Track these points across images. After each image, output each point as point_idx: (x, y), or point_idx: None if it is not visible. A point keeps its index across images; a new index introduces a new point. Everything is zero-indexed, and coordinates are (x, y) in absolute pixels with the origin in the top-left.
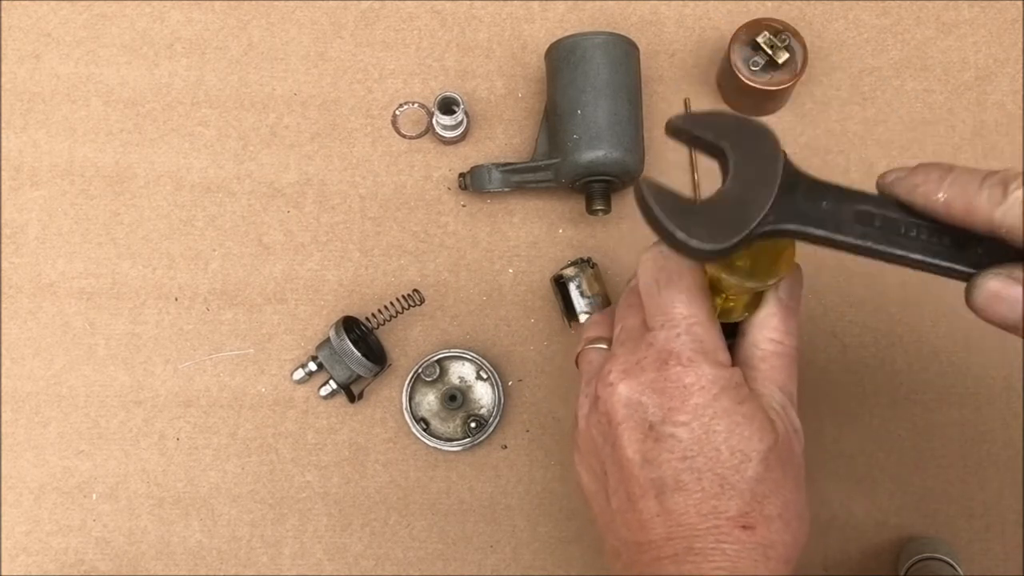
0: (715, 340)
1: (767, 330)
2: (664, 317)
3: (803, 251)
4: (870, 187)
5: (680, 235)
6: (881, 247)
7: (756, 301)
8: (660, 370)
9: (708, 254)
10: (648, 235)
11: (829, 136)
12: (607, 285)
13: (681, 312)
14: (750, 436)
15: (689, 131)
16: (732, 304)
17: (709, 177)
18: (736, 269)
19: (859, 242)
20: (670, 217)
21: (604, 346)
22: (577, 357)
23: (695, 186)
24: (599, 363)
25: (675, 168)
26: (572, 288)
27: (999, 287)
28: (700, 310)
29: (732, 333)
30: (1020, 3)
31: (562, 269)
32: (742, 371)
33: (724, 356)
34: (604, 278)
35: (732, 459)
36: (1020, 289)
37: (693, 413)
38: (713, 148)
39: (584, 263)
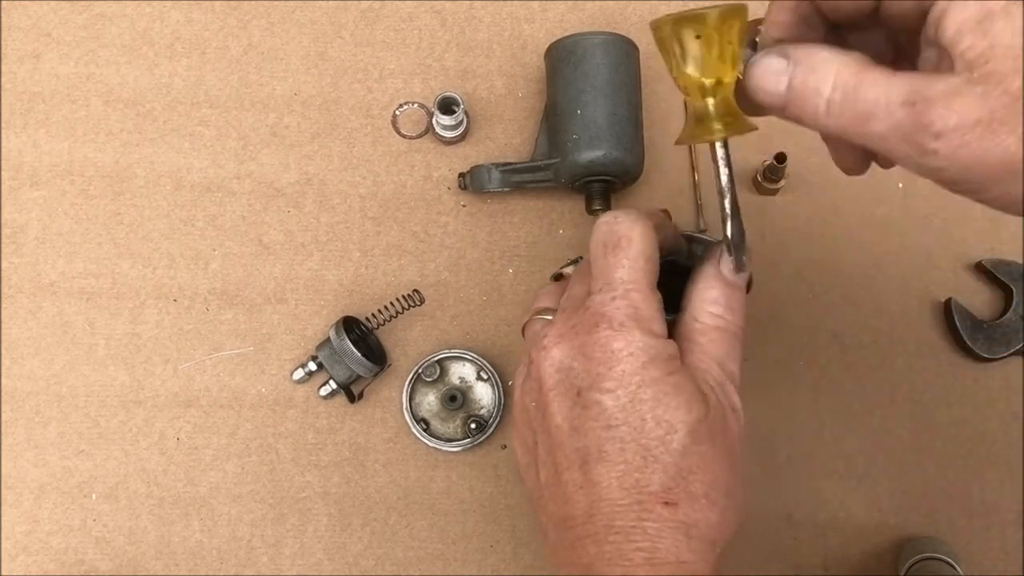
0: (652, 310)
1: (707, 303)
2: (604, 281)
3: (803, 251)
4: (872, 188)
5: None
6: None
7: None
8: (591, 333)
9: None
10: None
11: None
12: None
13: (621, 276)
14: (677, 407)
15: None
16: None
17: (709, 177)
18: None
19: None
20: None
21: (549, 316)
22: (523, 328)
23: (695, 186)
24: (539, 331)
25: (675, 168)
26: None
27: (768, 61)
28: (642, 277)
29: (675, 308)
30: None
31: (562, 267)
32: (681, 344)
33: (659, 327)
34: None
35: (657, 430)
36: (784, 61)
37: (619, 380)
38: None
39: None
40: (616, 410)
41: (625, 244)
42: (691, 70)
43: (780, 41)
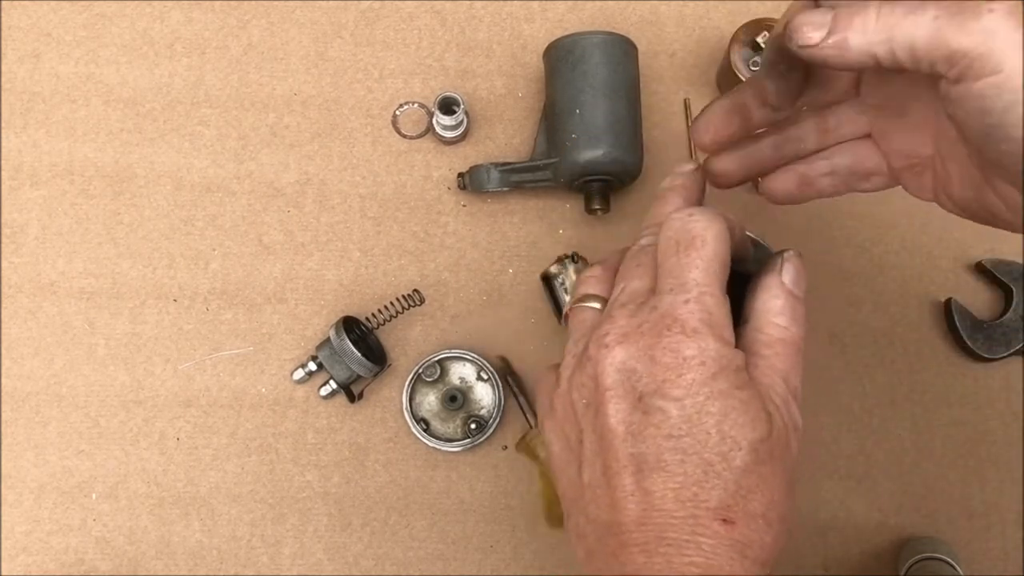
0: (724, 316)
1: (772, 314)
2: (676, 281)
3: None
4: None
5: None
6: None
7: None
8: (661, 336)
9: None
10: None
11: None
12: None
13: (695, 278)
14: (744, 424)
15: None
16: None
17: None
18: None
19: None
20: None
21: (598, 305)
22: (566, 314)
23: None
24: (593, 322)
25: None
26: (556, 285)
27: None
28: (715, 280)
29: (736, 321)
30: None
31: (548, 266)
32: (745, 356)
33: (730, 335)
34: None
35: (721, 445)
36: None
37: (687, 389)
38: None
39: (568, 259)
40: (681, 420)
41: (699, 244)
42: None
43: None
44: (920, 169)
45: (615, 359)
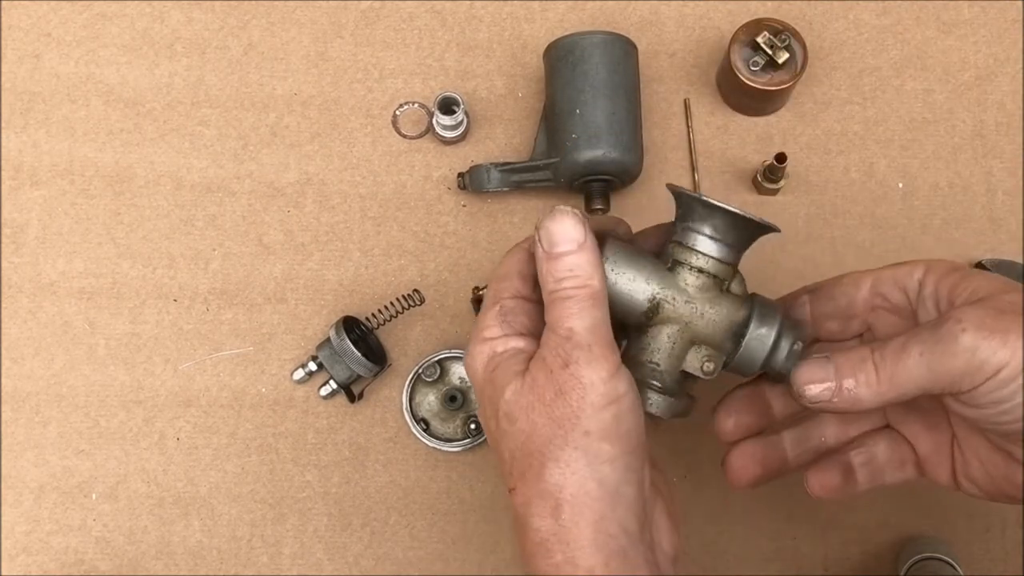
0: (486, 319)
1: (540, 278)
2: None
3: (803, 251)
4: (872, 188)
5: None
6: None
7: None
8: None
9: None
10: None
11: (829, 136)
12: None
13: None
14: (492, 396)
15: None
16: None
17: (709, 177)
18: None
19: None
20: None
21: None
22: None
23: (695, 186)
24: None
25: (675, 168)
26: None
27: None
28: (488, 291)
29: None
30: (1020, 3)
31: (480, 290)
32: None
33: (493, 331)
34: None
35: (490, 423)
36: (831, 367)
37: (477, 392)
38: None
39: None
40: (484, 425)
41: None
42: None
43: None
44: (940, 457)
45: None
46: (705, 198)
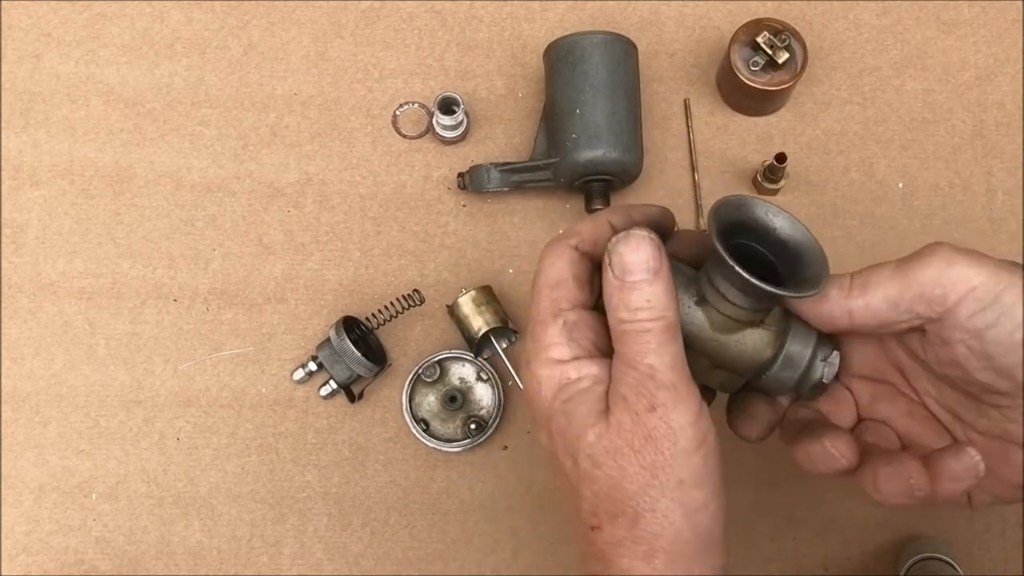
0: (549, 336)
1: (610, 311)
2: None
3: None
4: (872, 188)
5: None
6: None
7: None
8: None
9: None
10: None
11: (829, 136)
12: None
13: (530, 310)
14: (567, 433)
15: None
16: None
17: (709, 177)
18: None
19: None
20: None
21: None
22: None
23: (695, 186)
24: None
25: (675, 168)
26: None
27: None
28: (542, 307)
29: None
30: (1020, 3)
31: (458, 297)
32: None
33: (561, 351)
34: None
35: (565, 461)
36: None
37: (539, 415)
38: None
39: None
40: (549, 447)
41: (536, 278)
42: None
43: None
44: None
45: None
46: (735, 267)
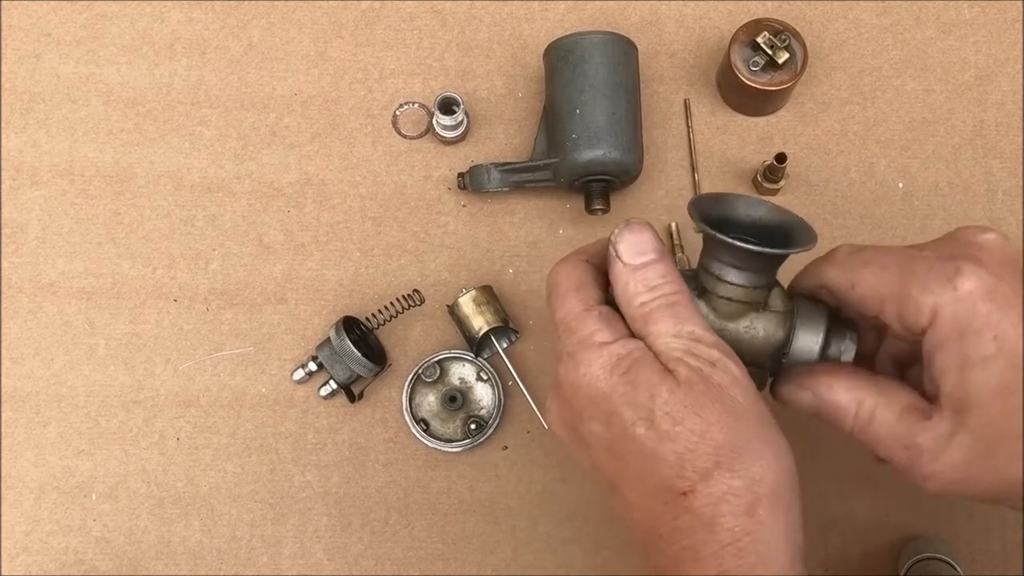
0: (588, 325)
1: (628, 298)
2: (557, 324)
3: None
4: (872, 188)
5: None
6: None
7: None
8: (561, 376)
9: None
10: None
11: (829, 136)
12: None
13: (556, 314)
14: (636, 399)
15: None
16: None
17: (709, 177)
18: None
19: None
20: None
21: None
22: None
23: (695, 186)
24: None
25: (675, 168)
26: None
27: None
28: (571, 307)
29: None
30: (1020, 3)
31: (459, 297)
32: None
33: (604, 335)
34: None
35: (637, 429)
36: (810, 394)
37: (592, 405)
38: None
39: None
40: (603, 432)
41: (549, 289)
42: None
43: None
44: None
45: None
46: (725, 239)
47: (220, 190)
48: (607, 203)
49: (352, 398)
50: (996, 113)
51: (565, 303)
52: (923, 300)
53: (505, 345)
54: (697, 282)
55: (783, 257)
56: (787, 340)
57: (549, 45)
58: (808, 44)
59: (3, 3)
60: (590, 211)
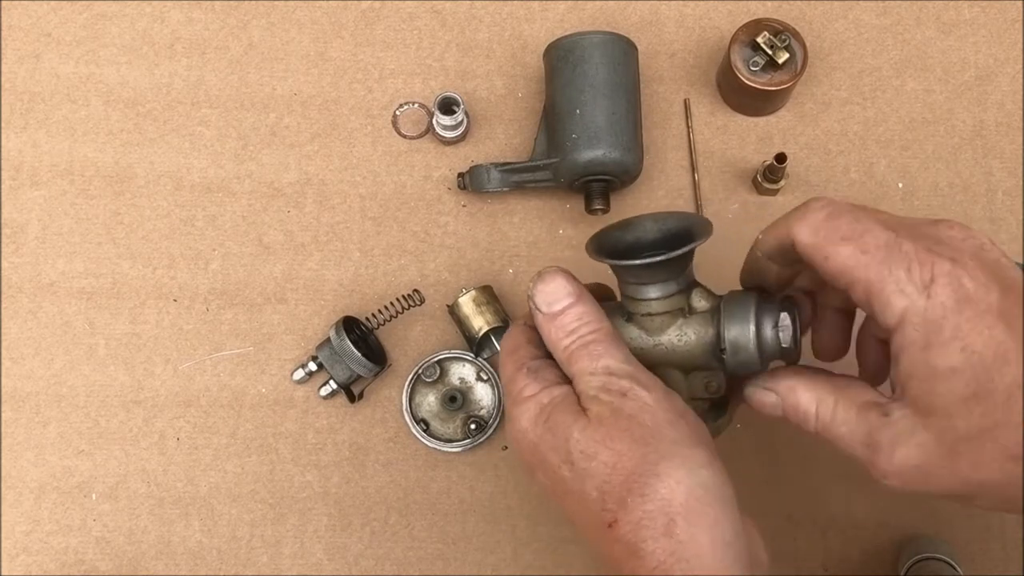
0: (517, 383)
1: (549, 339)
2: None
3: None
4: (872, 188)
5: None
6: None
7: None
8: (507, 435)
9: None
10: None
11: (829, 136)
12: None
13: (500, 380)
14: (556, 444)
15: None
16: None
17: (709, 177)
18: None
19: None
20: None
21: None
22: None
23: (695, 186)
24: None
25: (675, 168)
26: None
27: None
28: (509, 363)
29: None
30: (1020, 3)
31: (459, 297)
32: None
33: (530, 389)
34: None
35: (562, 471)
36: (774, 396)
37: (531, 456)
38: None
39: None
40: (549, 475)
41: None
42: None
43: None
44: None
45: None
46: (615, 262)
47: (220, 190)
48: (607, 203)
49: (352, 398)
50: (996, 113)
51: (503, 369)
52: (895, 301)
53: None
54: (623, 309)
55: (684, 257)
56: (719, 335)
57: (549, 45)
58: (808, 44)
59: (3, 3)
60: (590, 211)
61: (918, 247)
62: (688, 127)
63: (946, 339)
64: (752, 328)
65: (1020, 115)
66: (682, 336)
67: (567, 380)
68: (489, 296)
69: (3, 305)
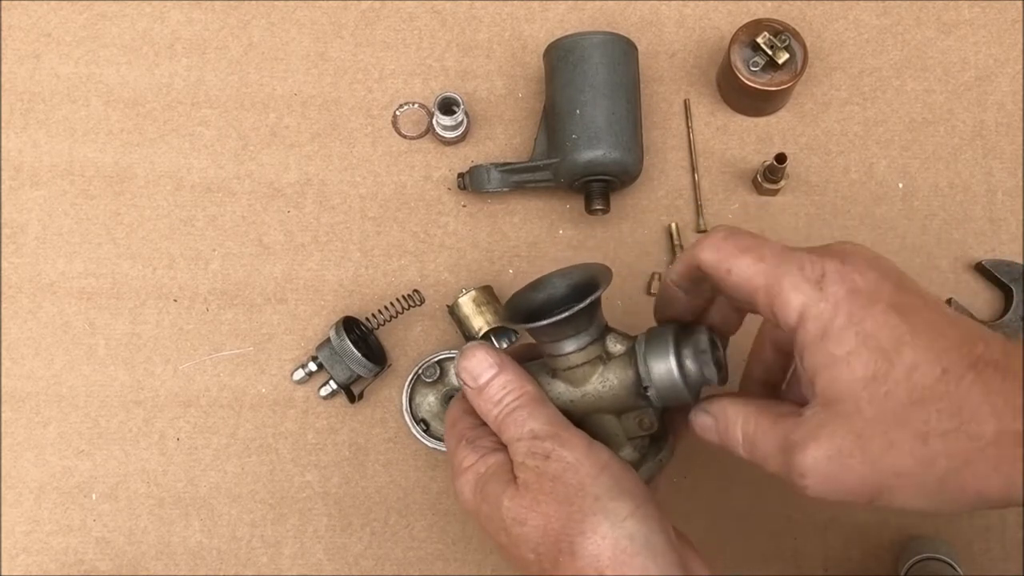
0: (457, 455)
1: (480, 412)
2: None
3: None
4: (872, 188)
5: None
6: None
7: None
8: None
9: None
10: (648, 237)
11: (829, 136)
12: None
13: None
14: (491, 513)
15: None
16: None
17: (709, 177)
18: None
19: None
20: None
21: None
22: None
23: (695, 186)
24: None
25: (675, 168)
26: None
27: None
28: (447, 443)
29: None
30: (1020, 3)
31: (459, 297)
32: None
33: (469, 459)
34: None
35: (500, 539)
36: (711, 419)
37: (479, 523)
38: None
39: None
40: (496, 539)
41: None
42: None
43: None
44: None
45: None
46: (521, 326)
47: (220, 190)
48: (607, 203)
49: (352, 398)
50: (996, 113)
51: (447, 443)
52: (792, 299)
53: (505, 345)
54: (547, 367)
55: (590, 308)
56: (638, 375)
57: (549, 45)
58: (808, 44)
59: (3, 3)
60: (590, 211)
61: (809, 251)
62: (688, 127)
63: (841, 326)
64: (673, 360)
65: (1020, 115)
66: (605, 382)
67: (504, 445)
68: (489, 296)
69: (3, 305)
